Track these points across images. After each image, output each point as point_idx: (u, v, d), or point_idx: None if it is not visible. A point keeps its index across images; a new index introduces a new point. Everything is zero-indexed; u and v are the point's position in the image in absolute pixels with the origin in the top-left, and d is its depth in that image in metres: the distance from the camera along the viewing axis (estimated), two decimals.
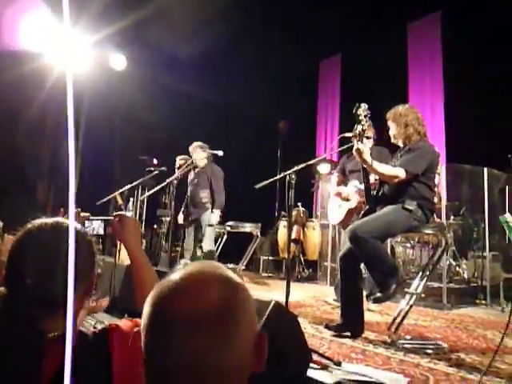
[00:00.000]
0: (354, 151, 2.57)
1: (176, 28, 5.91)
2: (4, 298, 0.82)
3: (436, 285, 4.03)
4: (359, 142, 2.51)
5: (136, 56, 6.63)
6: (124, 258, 4.91)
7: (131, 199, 5.51)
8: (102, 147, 7.01)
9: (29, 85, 5.75)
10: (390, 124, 2.79)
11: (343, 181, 3.78)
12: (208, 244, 4.29)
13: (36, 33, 5.19)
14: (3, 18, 4.80)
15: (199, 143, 4.63)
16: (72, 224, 0.64)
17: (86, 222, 1.31)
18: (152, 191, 4.40)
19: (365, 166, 2.66)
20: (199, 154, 4.51)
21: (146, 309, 0.60)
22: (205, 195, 4.48)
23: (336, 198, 3.73)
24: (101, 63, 6.29)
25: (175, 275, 0.61)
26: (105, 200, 4.53)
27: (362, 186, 3.32)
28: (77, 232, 0.92)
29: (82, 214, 1.30)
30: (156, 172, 4.78)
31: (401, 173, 2.57)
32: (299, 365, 1.71)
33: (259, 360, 0.60)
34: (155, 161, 6.34)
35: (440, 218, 4.12)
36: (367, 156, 2.53)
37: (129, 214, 5.45)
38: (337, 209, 3.68)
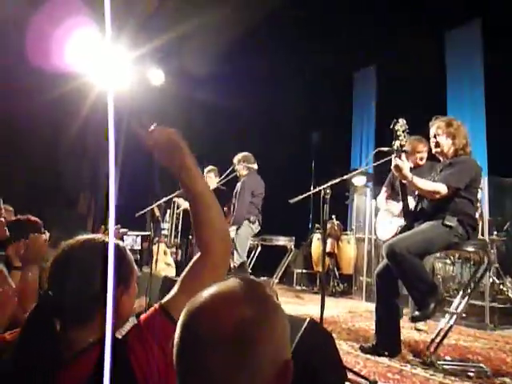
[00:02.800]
0: (392, 167, 2.55)
1: (211, 44, 6.06)
2: (34, 311, 0.87)
3: (478, 303, 3.86)
4: (397, 158, 2.48)
5: (174, 71, 6.84)
6: (160, 268, 5.03)
7: (168, 211, 5.64)
8: (140, 161, 7.23)
9: (72, 101, 6.04)
10: (440, 134, 2.66)
11: (391, 195, 3.68)
12: (236, 256, 4.27)
13: (82, 52, 5.46)
14: (51, 39, 5.09)
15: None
16: (112, 237, 0.67)
17: (125, 237, 1.35)
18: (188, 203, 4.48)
19: (404, 182, 2.62)
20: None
21: (178, 323, 0.61)
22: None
23: (386, 213, 3.62)
24: (140, 78, 6.53)
25: (206, 292, 0.62)
26: (142, 212, 4.67)
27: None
28: (117, 247, 0.96)
29: (121, 230, 1.36)
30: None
31: (442, 188, 2.50)
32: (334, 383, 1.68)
33: None
34: None
35: (482, 234, 3.97)
36: (407, 172, 2.50)
37: (165, 225, 5.59)
38: (388, 225, 3.57)
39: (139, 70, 6.53)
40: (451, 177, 2.53)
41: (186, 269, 0.94)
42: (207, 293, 0.61)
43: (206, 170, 4.76)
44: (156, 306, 0.88)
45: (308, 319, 1.68)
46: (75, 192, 7.15)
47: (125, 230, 1.30)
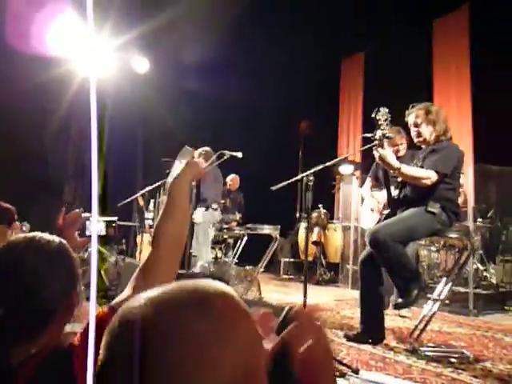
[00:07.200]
0: (376, 158, 2.51)
1: (196, 30, 5.94)
2: None
3: (462, 290, 3.89)
4: (379, 148, 2.43)
5: (158, 59, 6.71)
6: (144, 258, 4.97)
7: (152, 201, 5.58)
8: (125, 150, 7.12)
9: (55, 89, 5.89)
10: (420, 123, 2.62)
11: (376, 185, 3.65)
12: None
13: (63, 38, 5.32)
14: (32, 23, 4.94)
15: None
16: (95, 229, 0.61)
17: (87, 222, 1.28)
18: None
19: (387, 170, 2.58)
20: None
21: (104, 339, 0.48)
22: None
23: (370, 203, 3.58)
24: (124, 66, 6.40)
25: (143, 299, 0.49)
26: (126, 201, 4.60)
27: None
28: (54, 248, 0.86)
29: (83, 215, 1.26)
30: None
31: (432, 174, 2.47)
32: None
33: None
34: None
35: (467, 220, 3.98)
36: (392, 160, 2.46)
37: (149, 215, 5.52)
38: (370, 213, 3.54)
39: (123, 57, 6.40)
40: (438, 163, 2.49)
41: (139, 267, 0.90)
42: (144, 301, 0.48)
43: (197, 153, 4.67)
44: (105, 308, 0.79)
45: (287, 307, 1.65)
46: (60, 182, 7.02)
47: (88, 214, 1.22)
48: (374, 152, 2.48)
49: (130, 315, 0.47)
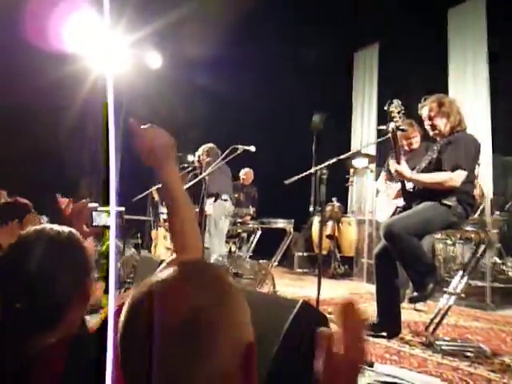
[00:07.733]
0: (393, 173, 2.57)
1: (209, 26, 5.93)
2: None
3: (479, 284, 3.83)
4: (395, 164, 2.48)
5: (172, 55, 6.74)
6: (160, 253, 5.03)
7: None
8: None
9: (70, 86, 5.95)
10: (434, 116, 2.58)
11: (391, 178, 3.63)
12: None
13: (79, 34, 5.37)
14: (47, 19, 5.00)
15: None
16: (112, 221, 0.62)
17: (94, 213, 1.28)
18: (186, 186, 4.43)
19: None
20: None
21: (124, 309, 0.56)
22: None
23: (385, 196, 3.56)
24: (137, 62, 6.44)
25: (155, 276, 0.57)
26: (141, 196, 4.65)
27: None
28: (63, 239, 0.86)
29: (90, 205, 1.25)
30: (190, 168, 4.84)
31: (453, 175, 2.41)
32: None
33: (248, 373, 0.53)
34: (190, 158, 6.41)
35: (484, 213, 3.92)
36: (408, 173, 2.49)
37: (164, 209, 5.56)
38: (386, 206, 3.52)
39: (137, 53, 6.44)
40: (459, 158, 2.43)
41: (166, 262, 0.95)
42: (156, 277, 0.56)
43: (201, 149, 4.67)
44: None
45: (301, 301, 1.65)
46: (75, 180, 7.10)
47: (94, 204, 1.22)
48: (391, 165, 2.52)
49: (142, 290, 0.56)
